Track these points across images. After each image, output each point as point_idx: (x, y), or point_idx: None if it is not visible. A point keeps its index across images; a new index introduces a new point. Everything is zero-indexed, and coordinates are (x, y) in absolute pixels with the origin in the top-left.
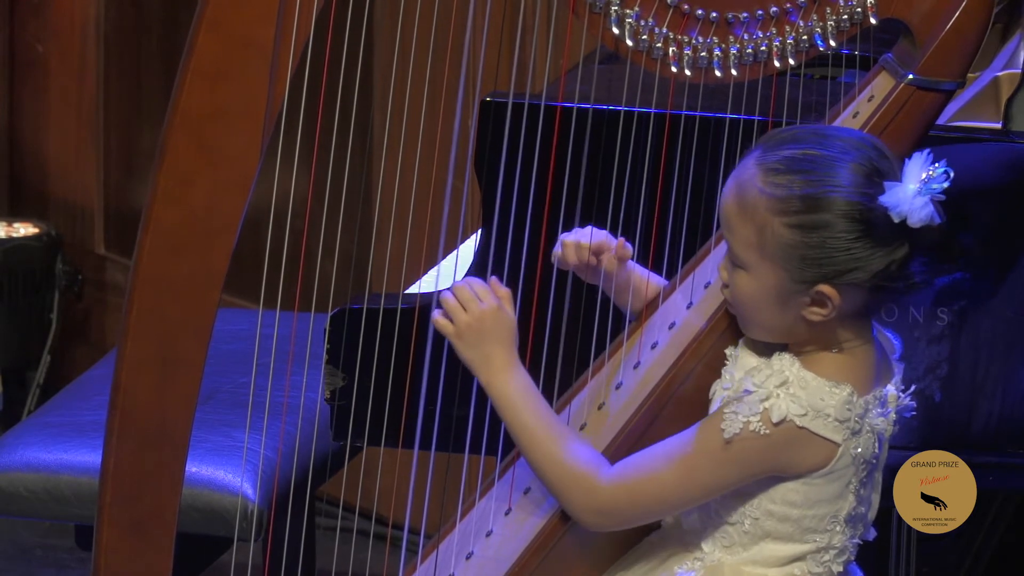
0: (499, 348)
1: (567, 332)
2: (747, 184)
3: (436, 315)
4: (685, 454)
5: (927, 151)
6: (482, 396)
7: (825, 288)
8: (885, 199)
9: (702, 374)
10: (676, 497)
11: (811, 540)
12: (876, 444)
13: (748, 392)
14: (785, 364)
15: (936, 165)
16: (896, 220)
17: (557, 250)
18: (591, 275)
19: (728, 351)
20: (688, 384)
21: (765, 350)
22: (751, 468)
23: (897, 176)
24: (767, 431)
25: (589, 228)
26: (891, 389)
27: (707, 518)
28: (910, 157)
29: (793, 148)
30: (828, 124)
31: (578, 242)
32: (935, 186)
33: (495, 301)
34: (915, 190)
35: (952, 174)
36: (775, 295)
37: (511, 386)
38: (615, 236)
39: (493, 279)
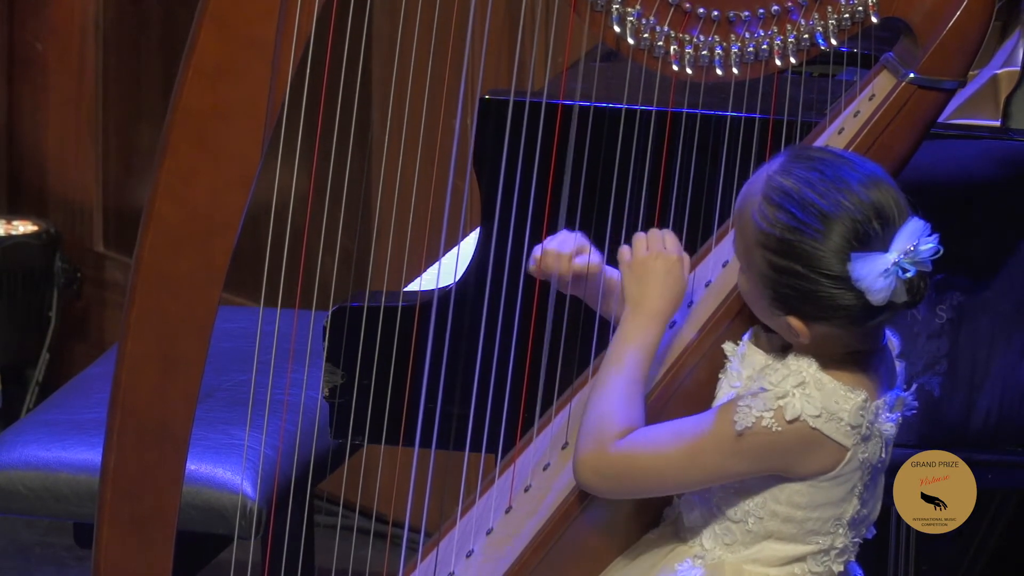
0: (658, 296)
1: (568, 329)
2: (749, 199)
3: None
4: (694, 438)
5: (925, 224)
6: (482, 394)
7: (793, 321)
8: (852, 268)
9: (705, 370)
10: (676, 477)
11: (813, 541)
12: (883, 449)
13: (764, 390)
14: (803, 365)
15: (923, 240)
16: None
17: (536, 254)
18: (570, 285)
19: (729, 347)
20: (691, 380)
21: (773, 346)
22: (757, 463)
23: (884, 243)
24: (779, 428)
25: (563, 233)
26: (899, 392)
27: (710, 515)
28: (912, 216)
29: (798, 180)
30: (836, 135)
31: (558, 251)
32: (906, 266)
33: (679, 254)
34: (884, 266)
35: (942, 251)
36: (760, 305)
37: (640, 335)
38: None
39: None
